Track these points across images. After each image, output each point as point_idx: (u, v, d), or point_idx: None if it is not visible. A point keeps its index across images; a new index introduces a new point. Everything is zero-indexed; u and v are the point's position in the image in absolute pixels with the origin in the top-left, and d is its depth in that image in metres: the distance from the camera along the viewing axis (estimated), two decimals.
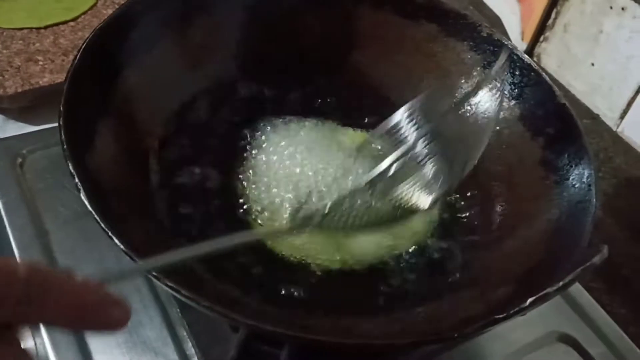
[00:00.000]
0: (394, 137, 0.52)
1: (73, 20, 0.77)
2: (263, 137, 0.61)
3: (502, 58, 0.48)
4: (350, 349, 0.41)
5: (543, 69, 0.59)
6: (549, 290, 0.39)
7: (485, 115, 0.49)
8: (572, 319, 0.59)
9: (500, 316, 0.39)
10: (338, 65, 0.67)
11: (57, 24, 0.76)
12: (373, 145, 0.55)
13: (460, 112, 0.47)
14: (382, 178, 0.42)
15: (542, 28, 0.72)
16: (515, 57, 0.59)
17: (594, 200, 0.48)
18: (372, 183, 0.42)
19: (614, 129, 0.67)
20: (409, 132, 0.51)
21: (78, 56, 0.50)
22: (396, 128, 0.52)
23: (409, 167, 0.44)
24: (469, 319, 0.41)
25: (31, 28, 0.75)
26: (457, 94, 0.61)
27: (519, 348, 0.56)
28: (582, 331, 0.58)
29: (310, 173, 0.57)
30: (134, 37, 0.56)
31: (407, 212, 0.46)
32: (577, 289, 0.62)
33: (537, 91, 0.58)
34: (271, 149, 0.59)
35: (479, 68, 0.62)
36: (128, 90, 0.54)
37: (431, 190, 0.46)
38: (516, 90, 0.59)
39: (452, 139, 0.46)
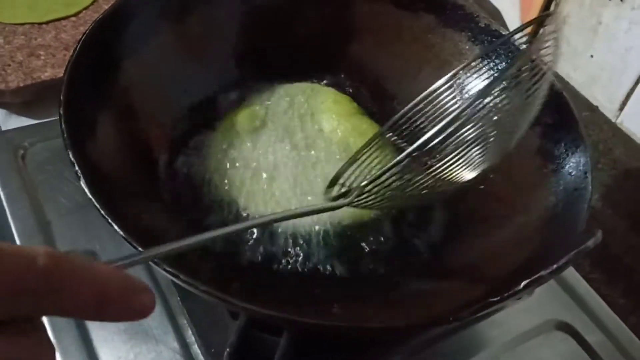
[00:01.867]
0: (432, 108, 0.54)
1: (74, 15, 0.78)
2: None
3: (543, 31, 0.46)
4: (347, 332, 0.41)
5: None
6: (542, 273, 0.39)
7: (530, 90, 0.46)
8: (570, 306, 0.60)
9: (495, 299, 0.39)
10: (336, 56, 0.67)
11: (58, 19, 0.77)
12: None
13: (503, 85, 0.45)
14: (422, 150, 0.41)
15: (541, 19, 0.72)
16: (513, 47, 0.60)
17: (590, 187, 0.49)
18: (412, 154, 0.41)
19: (613, 120, 0.67)
20: (450, 103, 0.51)
21: (78, 47, 0.51)
22: (436, 98, 0.54)
23: (451, 140, 0.42)
24: (465, 303, 0.41)
25: (33, 23, 0.76)
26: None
27: (517, 335, 0.57)
28: (580, 319, 0.59)
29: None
30: (133, 29, 0.56)
31: (450, 185, 0.46)
32: (574, 277, 0.62)
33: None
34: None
35: (477, 58, 0.62)
36: (128, 81, 0.55)
37: (476, 164, 0.46)
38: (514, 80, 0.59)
39: (496, 111, 0.44)
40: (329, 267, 0.52)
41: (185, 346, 0.52)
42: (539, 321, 0.58)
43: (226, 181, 0.56)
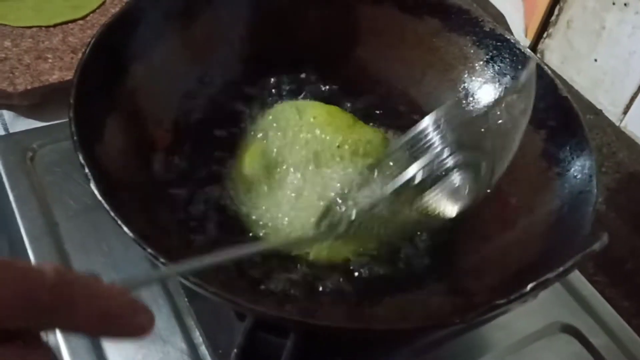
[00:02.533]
0: (418, 146, 0.53)
1: (82, 18, 0.78)
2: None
3: (530, 68, 0.48)
4: (353, 334, 0.42)
5: (546, 65, 0.60)
6: (549, 276, 0.39)
7: (512, 124, 0.49)
8: (575, 309, 0.60)
9: (502, 301, 0.39)
10: (340, 60, 0.67)
11: (65, 23, 0.77)
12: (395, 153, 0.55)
13: (486, 121, 0.47)
14: (408, 186, 0.43)
15: (545, 24, 0.73)
16: (520, 55, 0.60)
17: (595, 190, 0.49)
18: (397, 191, 0.43)
19: (617, 124, 0.67)
20: (434, 140, 0.52)
21: (87, 51, 0.51)
22: (421, 136, 0.52)
23: (435, 175, 0.45)
24: (471, 306, 0.41)
25: (40, 26, 0.76)
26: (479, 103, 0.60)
27: (521, 338, 0.57)
28: (585, 322, 0.59)
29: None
30: (140, 32, 0.57)
31: (433, 219, 0.47)
32: (579, 280, 0.62)
33: (539, 84, 0.58)
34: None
35: (481, 62, 0.62)
36: (135, 84, 0.55)
37: (457, 199, 0.47)
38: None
39: (478, 147, 0.46)
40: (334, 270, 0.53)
41: (192, 347, 0.52)
42: (544, 324, 0.58)
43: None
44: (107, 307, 0.27)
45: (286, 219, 0.54)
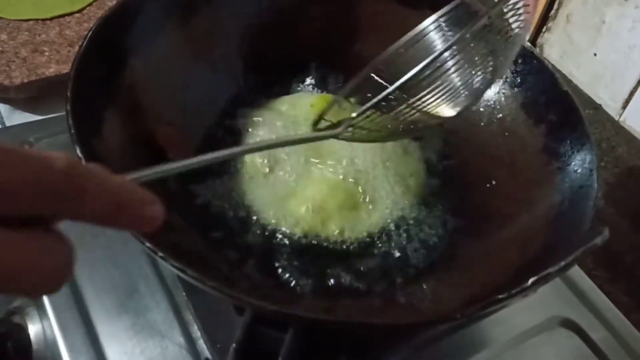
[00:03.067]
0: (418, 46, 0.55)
1: (78, 11, 0.78)
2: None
3: None
4: (353, 329, 0.42)
5: (546, 59, 0.60)
6: (550, 270, 0.39)
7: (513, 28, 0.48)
8: (574, 304, 0.60)
9: (503, 296, 0.39)
10: (340, 55, 0.67)
11: (62, 16, 0.77)
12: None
13: (487, 23, 0.46)
14: (413, 81, 0.43)
15: (545, 19, 0.73)
16: (520, 49, 0.60)
17: (596, 184, 0.49)
18: (402, 86, 0.43)
19: (616, 118, 0.67)
20: (437, 39, 0.54)
21: (84, 44, 0.51)
22: (424, 34, 0.55)
23: (438, 74, 0.45)
24: (472, 300, 0.41)
25: (37, 19, 0.76)
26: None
27: (521, 333, 0.57)
28: (584, 316, 0.59)
29: None
30: (139, 26, 0.56)
31: (434, 119, 0.48)
32: (578, 274, 0.62)
33: (539, 79, 0.58)
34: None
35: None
36: (133, 78, 0.55)
37: (459, 100, 0.48)
38: (518, 78, 0.60)
39: (480, 48, 0.47)
40: (335, 265, 0.53)
41: (191, 341, 0.52)
42: (543, 318, 0.58)
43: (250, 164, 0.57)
44: (118, 196, 0.26)
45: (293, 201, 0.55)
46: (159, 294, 0.54)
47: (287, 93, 0.65)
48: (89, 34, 0.51)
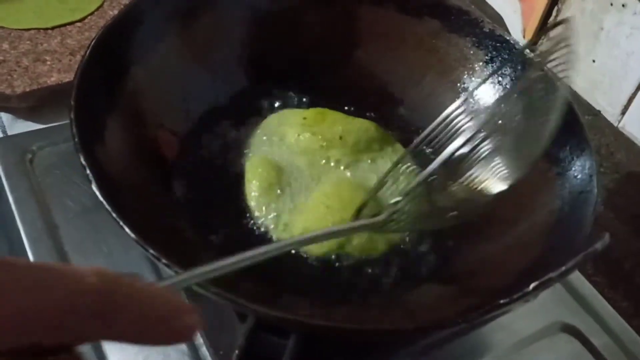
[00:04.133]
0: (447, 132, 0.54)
1: (80, 20, 0.78)
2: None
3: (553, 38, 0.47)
4: (355, 335, 0.42)
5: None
6: (551, 275, 0.39)
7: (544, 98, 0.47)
8: (575, 309, 0.60)
9: (504, 301, 0.39)
10: (340, 62, 0.67)
11: (64, 25, 0.77)
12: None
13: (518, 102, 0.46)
14: (440, 171, 0.42)
15: (543, 25, 0.73)
16: (516, 51, 0.60)
17: (596, 190, 0.49)
18: (428, 179, 0.42)
19: (615, 124, 0.67)
20: (464, 124, 0.53)
21: (87, 53, 0.51)
22: (450, 121, 0.54)
23: (467, 161, 0.45)
24: (473, 306, 0.41)
25: (38, 29, 0.76)
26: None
27: (522, 338, 0.57)
28: (585, 322, 0.59)
29: None
30: (140, 34, 0.57)
31: (476, 200, 0.47)
32: (579, 280, 0.62)
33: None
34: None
35: (481, 63, 0.63)
36: (136, 86, 0.55)
37: (501, 176, 0.47)
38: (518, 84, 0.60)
39: (512, 129, 0.46)
40: (337, 270, 0.53)
41: (193, 348, 0.52)
42: (544, 324, 0.58)
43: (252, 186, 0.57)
44: (153, 309, 0.24)
45: (301, 222, 0.55)
46: None
47: (286, 102, 0.65)
48: (92, 43, 0.52)
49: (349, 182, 0.58)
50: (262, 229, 0.55)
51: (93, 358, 0.50)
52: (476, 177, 0.45)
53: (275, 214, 0.55)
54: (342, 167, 0.59)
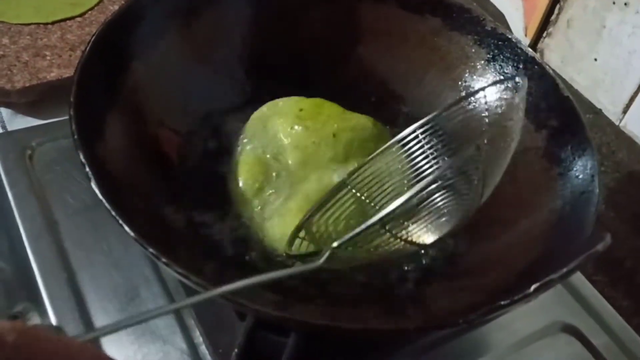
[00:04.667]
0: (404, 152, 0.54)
1: (80, 15, 0.78)
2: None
3: (524, 86, 0.48)
4: (355, 334, 0.42)
5: (547, 64, 0.60)
6: (552, 276, 0.39)
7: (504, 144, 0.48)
8: (575, 309, 0.60)
9: (505, 302, 0.39)
10: (342, 60, 0.67)
11: (64, 20, 0.77)
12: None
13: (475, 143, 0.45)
14: (397, 213, 0.42)
15: (545, 24, 0.73)
16: (521, 54, 0.60)
17: (597, 190, 0.49)
18: (385, 218, 0.42)
19: (617, 123, 0.67)
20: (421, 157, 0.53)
21: (88, 49, 0.51)
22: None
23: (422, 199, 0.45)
24: (474, 306, 0.41)
25: (38, 24, 0.76)
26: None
27: (522, 338, 0.57)
28: (585, 322, 0.59)
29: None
30: (141, 30, 0.56)
31: (418, 243, 0.47)
32: (579, 280, 0.62)
33: (540, 84, 0.58)
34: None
35: (483, 61, 0.62)
36: (136, 82, 0.55)
37: (444, 222, 0.47)
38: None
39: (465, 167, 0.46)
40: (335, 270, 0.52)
41: (192, 347, 0.52)
42: (544, 324, 0.58)
43: (241, 184, 0.57)
44: None
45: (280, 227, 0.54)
46: (161, 299, 0.54)
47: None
48: (92, 39, 0.51)
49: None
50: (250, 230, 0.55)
51: None
52: (415, 228, 0.46)
53: (260, 214, 0.55)
54: (332, 168, 0.58)
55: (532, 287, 0.39)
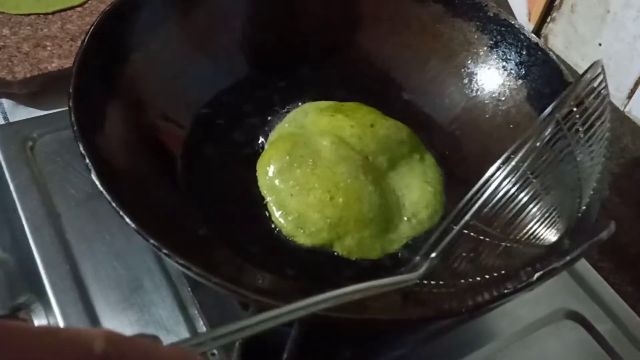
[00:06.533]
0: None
1: (80, 5, 0.77)
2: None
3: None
4: (359, 324, 0.42)
5: (550, 49, 0.59)
6: (556, 265, 0.39)
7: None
8: (580, 296, 0.60)
9: (508, 290, 0.39)
10: (343, 47, 0.67)
11: (64, 10, 0.77)
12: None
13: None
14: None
15: (549, 9, 0.72)
16: (525, 40, 0.60)
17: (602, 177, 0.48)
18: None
19: (621, 108, 0.66)
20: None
21: (86, 40, 0.51)
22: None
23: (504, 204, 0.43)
24: (478, 295, 0.41)
25: (39, 14, 0.75)
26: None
27: (526, 325, 0.57)
28: (590, 308, 0.59)
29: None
30: (140, 20, 0.56)
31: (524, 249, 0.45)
32: (584, 266, 0.62)
33: (544, 70, 0.58)
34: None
35: (485, 48, 0.62)
36: (135, 72, 0.55)
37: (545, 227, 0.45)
38: (523, 69, 0.59)
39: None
40: (337, 259, 0.53)
41: (195, 336, 0.52)
42: (548, 310, 0.58)
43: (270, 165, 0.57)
44: None
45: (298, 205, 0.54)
46: (164, 289, 0.54)
47: (289, 87, 0.65)
48: (91, 30, 0.51)
49: (360, 180, 0.56)
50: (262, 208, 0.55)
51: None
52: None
53: (278, 190, 0.55)
54: (369, 160, 0.58)
55: (535, 276, 0.39)
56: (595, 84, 0.44)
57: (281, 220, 0.54)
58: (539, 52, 0.59)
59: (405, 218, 0.56)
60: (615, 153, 0.67)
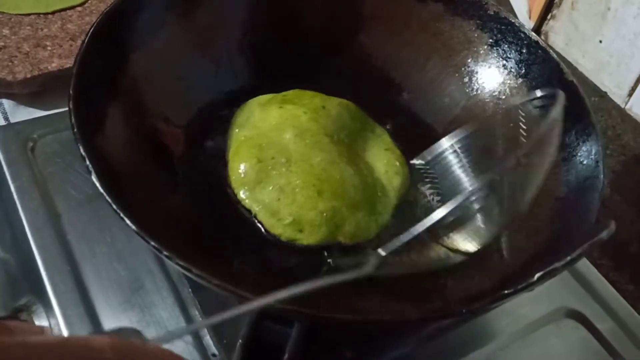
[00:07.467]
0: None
1: (80, 5, 0.77)
2: None
3: (560, 102, 0.47)
4: (360, 325, 0.42)
5: (551, 47, 0.59)
6: (556, 265, 0.39)
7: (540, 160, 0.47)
8: (580, 295, 0.60)
9: (509, 291, 0.39)
10: (343, 47, 0.67)
11: (64, 9, 0.77)
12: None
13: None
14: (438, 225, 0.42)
15: (550, 6, 0.72)
16: (525, 38, 0.60)
17: (602, 176, 0.48)
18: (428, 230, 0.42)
19: (622, 106, 0.66)
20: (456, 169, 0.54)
21: (86, 40, 0.51)
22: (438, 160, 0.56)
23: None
24: (478, 295, 0.41)
25: (39, 14, 0.75)
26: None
27: (527, 324, 0.57)
28: (590, 307, 0.59)
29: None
30: (141, 20, 0.56)
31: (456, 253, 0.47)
32: (585, 265, 0.62)
33: (544, 69, 0.58)
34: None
35: (486, 46, 0.62)
36: (136, 73, 0.55)
37: (480, 234, 0.47)
38: (523, 68, 0.59)
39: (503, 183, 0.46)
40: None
41: (197, 337, 0.52)
42: (549, 309, 0.58)
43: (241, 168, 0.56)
44: None
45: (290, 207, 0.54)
46: (165, 290, 0.54)
47: (289, 87, 0.64)
48: (91, 30, 0.51)
49: (337, 163, 0.56)
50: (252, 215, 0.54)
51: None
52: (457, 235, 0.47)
53: (261, 199, 0.54)
54: (334, 140, 0.58)
55: (536, 276, 0.39)
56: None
57: (277, 228, 0.53)
58: (539, 51, 0.58)
59: (384, 189, 0.57)
60: (616, 151, 0.67)
